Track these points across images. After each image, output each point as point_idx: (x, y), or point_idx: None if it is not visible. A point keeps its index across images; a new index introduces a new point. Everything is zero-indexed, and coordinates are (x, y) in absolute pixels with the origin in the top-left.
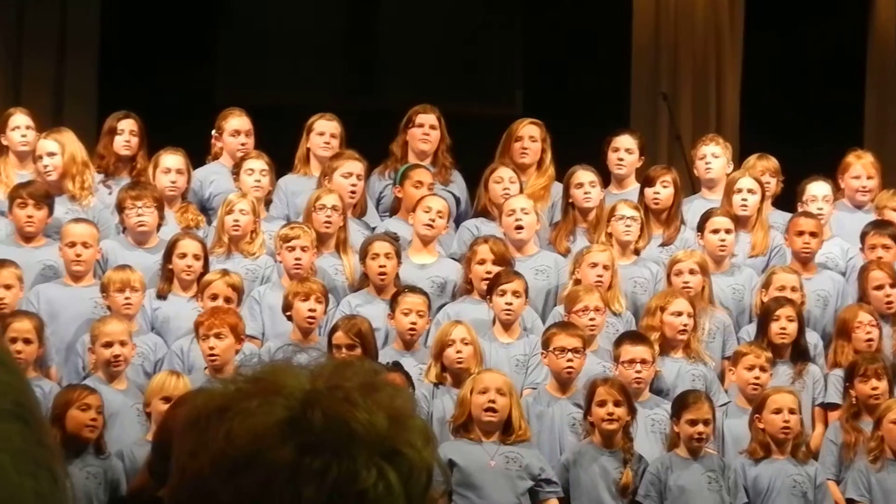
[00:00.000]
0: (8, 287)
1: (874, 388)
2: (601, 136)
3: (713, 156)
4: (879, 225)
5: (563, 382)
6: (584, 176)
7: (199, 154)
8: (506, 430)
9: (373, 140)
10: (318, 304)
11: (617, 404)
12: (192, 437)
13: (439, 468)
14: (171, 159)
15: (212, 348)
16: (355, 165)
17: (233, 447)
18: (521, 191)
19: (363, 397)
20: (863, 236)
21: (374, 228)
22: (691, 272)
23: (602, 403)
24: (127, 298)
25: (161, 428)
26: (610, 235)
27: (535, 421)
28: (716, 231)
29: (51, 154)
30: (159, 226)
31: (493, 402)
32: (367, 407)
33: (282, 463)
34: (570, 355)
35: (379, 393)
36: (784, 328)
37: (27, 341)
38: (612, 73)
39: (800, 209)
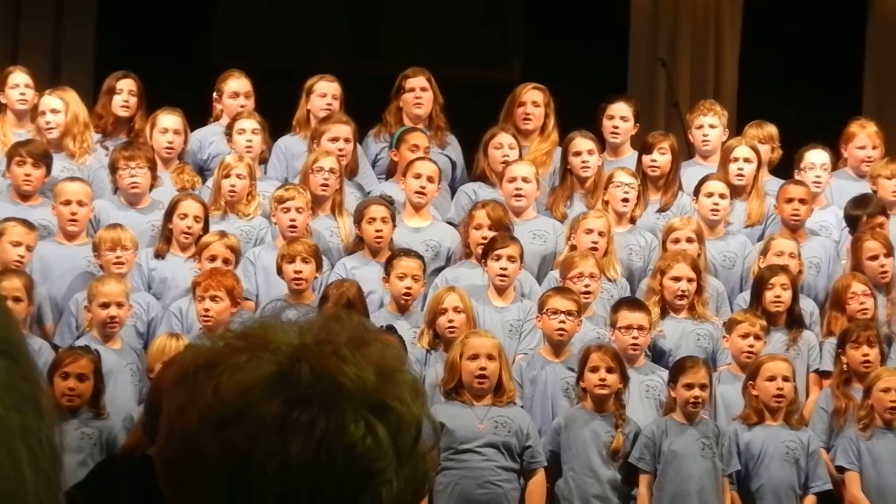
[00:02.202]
0: (29, 248)
1: (865, 355)
2: (599, 102)
3: (710, 126)
4: (864, 204)
5: (555, 345)
6: (583, 144)
7: (197, 116)
8: (496, 391)
9: (371, 103)
10: (304, 265)
11: (609, 371)
12: (181, 393)
13: (429, 422)
14: (169, 119)
15: (207, 310)
16: (342, 129)
17: (221, 402)
18: (521, 157)
19: (352, 352)
20: (854, 220)
21: (369, 192)
22: (688, 240)
23: (595, 369)
24: (118, 257)
25: (153, 387)
26: (606, 203)
27: (529, 385)
28: (710, 195)
29: (54, 111)
30: (152, 186)
31: (484, 368)
32: (356, 361)
33: (270, 417)
34: (562, 317)
35: (368, 347)
36: (778, 296)
37: (17, 300)
38: (610, 38)
39: (797, 176)
